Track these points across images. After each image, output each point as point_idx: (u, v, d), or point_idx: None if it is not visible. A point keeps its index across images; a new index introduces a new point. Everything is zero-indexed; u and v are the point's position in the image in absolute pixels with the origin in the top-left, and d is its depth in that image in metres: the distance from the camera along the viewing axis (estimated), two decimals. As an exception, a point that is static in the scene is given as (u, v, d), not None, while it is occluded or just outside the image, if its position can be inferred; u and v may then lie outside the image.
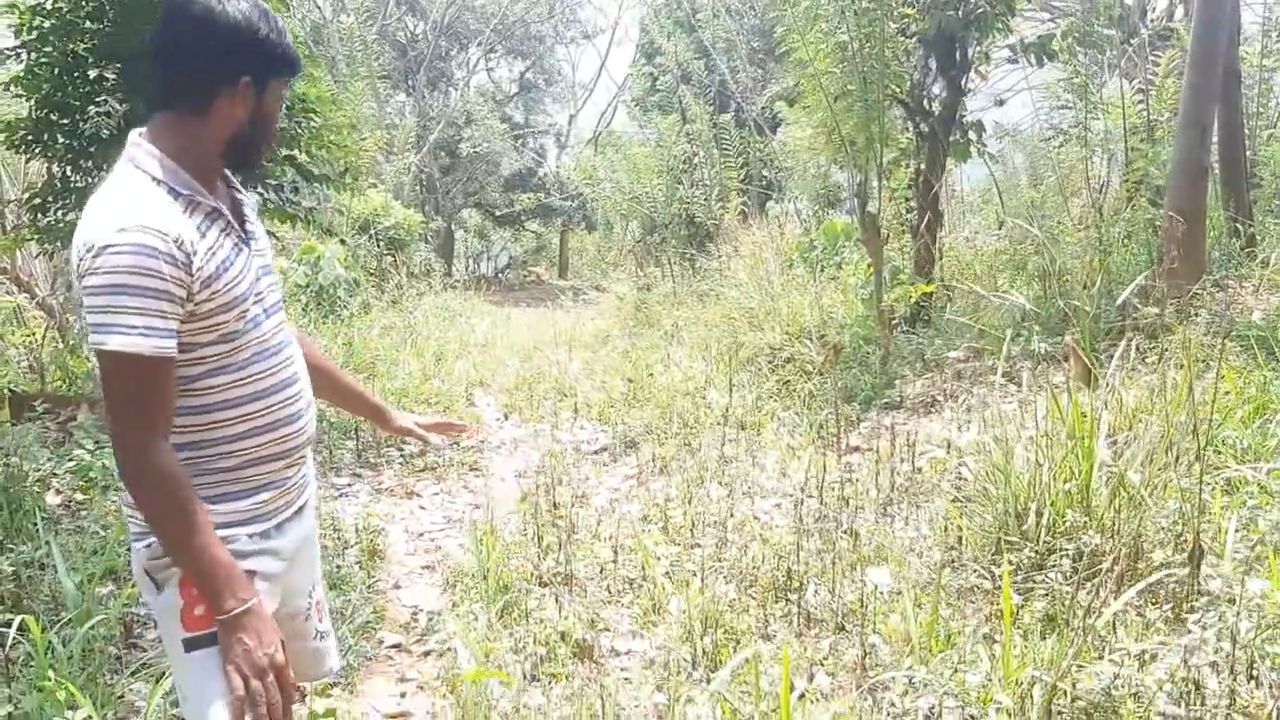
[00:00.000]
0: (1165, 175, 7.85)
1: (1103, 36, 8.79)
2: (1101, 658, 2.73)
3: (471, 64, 25.82)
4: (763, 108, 15.28)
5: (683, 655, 3.14)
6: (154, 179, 1.75)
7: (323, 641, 2.19)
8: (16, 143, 5.96)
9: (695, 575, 3.71)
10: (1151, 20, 11.64)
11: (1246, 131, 8.72)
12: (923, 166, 8.46)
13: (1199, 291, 6.15)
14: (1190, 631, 2.68)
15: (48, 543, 3.69)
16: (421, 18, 23.91)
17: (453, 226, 23.48)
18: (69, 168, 6.10)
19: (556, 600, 3.55)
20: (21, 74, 5.89)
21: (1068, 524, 3.43)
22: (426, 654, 3.56)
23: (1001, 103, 10.03)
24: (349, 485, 5.89)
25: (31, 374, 7.52)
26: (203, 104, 1.80)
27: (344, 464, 6.28)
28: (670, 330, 11.27)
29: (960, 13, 7.80)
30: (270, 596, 1.90)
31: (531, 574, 3.92)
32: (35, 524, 3.94)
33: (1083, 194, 9.56)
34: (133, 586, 3.52)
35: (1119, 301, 4.98)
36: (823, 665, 3.06)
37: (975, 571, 3.48)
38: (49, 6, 5.73)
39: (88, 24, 5.79)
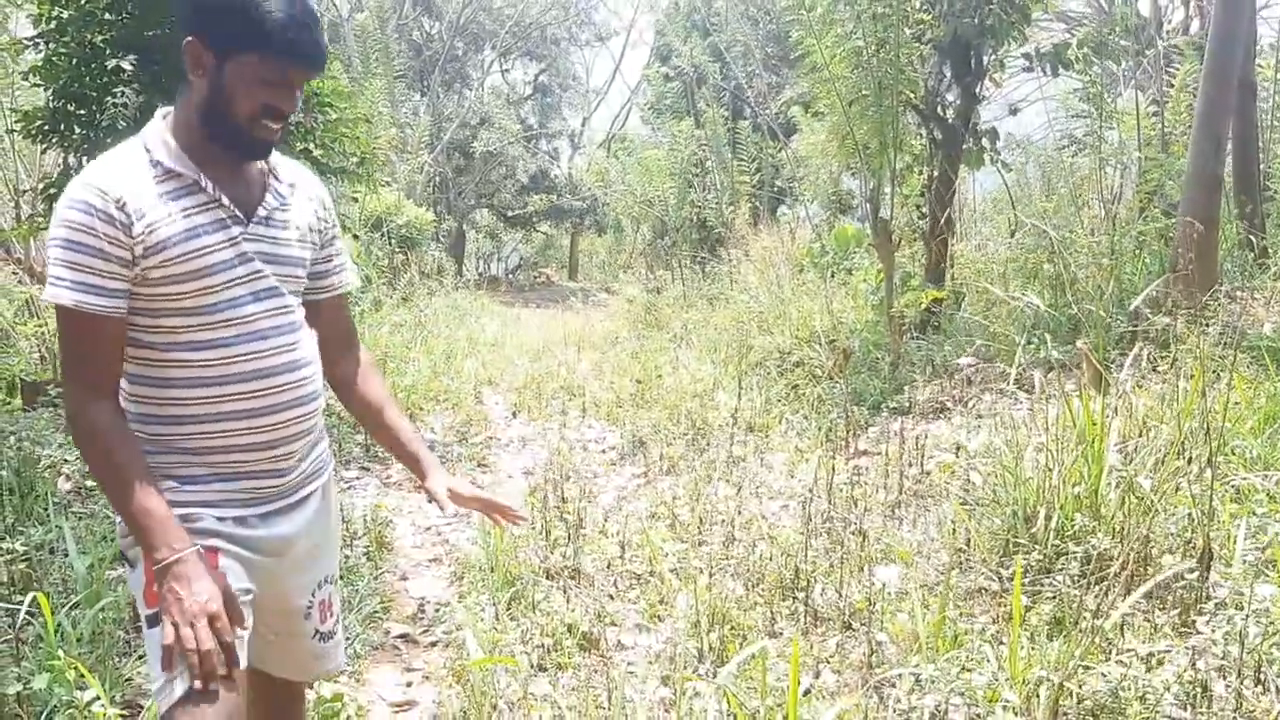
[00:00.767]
0: (1179, 186, 7.85)
1: (1118, 46, 8.78)
2: (1109, 659, 2.73)
3: (486, 65, 25.89)
4: (776, 113, 15.29)
5: (689, 649, 3.15)
6: (144, 147, 1.80)
7: (322, 642, 2.12)
8: (34, 132, 5.99)
9: (702, 572, 3.71)
10: (1167, 32, 11.63)
11: (1260, 144, 8.71)
12: (935, 173, 8.46)
13: (1210, 302, 6.14)
14: (1198, 634, 2.68)
15: (59, 526, 3.71)
16: (437, 18, 23.98)
17: (464, 226, 23.53)
18: (85, 158, 6.12)
19: (564, 593, 3.55)
20: (40, 64, 5.93)
21: (1076, 528, 3.43)
22: (433, 644, 3.57)
23: (1015, 111, 10.02)
24: (357, 478, 5.90)
25: (44, 364, 7.54)
26: (183, 69, 1.81)
27: (353, 457, 6.29)
28: (679, 333, 11.27)
29: (975, 20, 7.80)
30: (240, 578, 1.83)
31: (539, 567, 3.92)
32: (47, 508, 3.96)
33: (1095, 204, 9.55)
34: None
35: (1131, 308, 4.95)
36: (829, 663, 3.06)
37: (983, 574, 3.48)
38: (67, -3, 5.76)
39: (106, 15, 5.82)
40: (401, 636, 3.65)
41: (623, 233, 19.94)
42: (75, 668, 2.65)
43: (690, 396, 7.60)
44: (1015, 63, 9.03)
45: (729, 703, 2.61)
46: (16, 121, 6.25)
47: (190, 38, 1.78)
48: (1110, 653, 2.78)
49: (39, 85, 6.09)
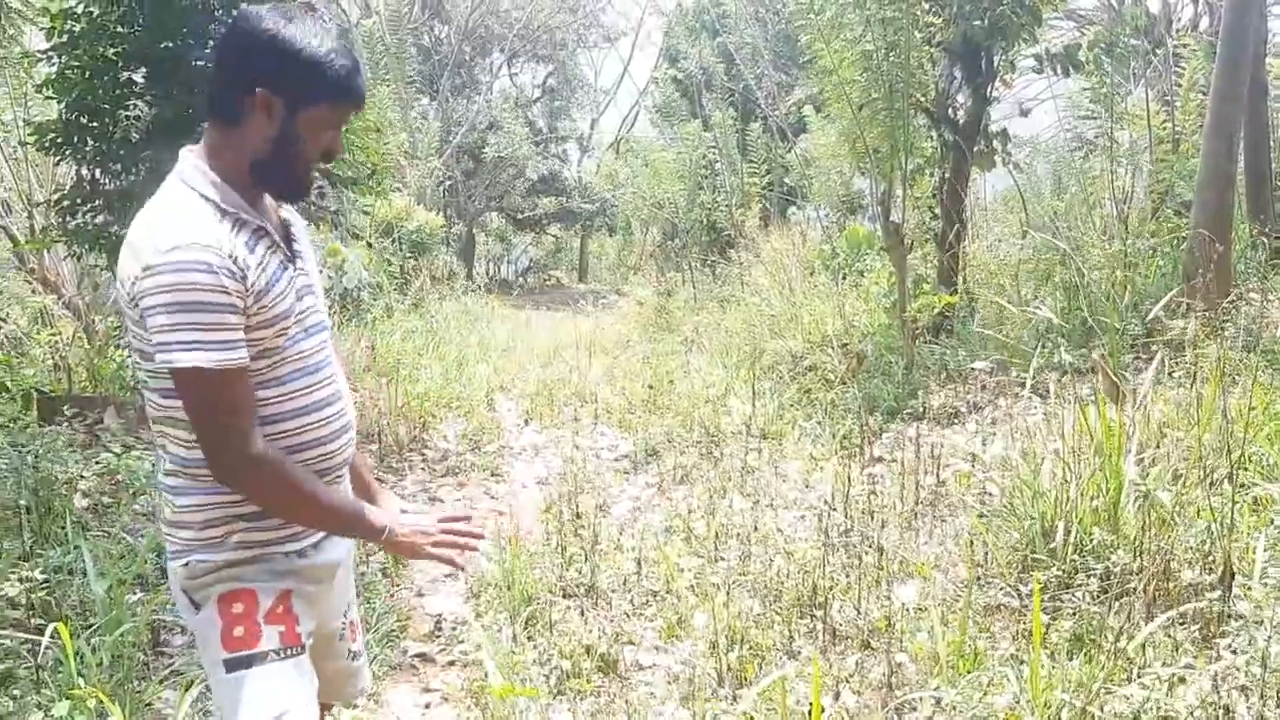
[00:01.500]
0: (1190, 187, 7.81)
1: (1128, 47, 8.73)
2: (1130, 680, 2.71)
3: (495, 69, 25.90)
4: (786, 113, 15.26)
5: (708, 670, 3.14)
6: (201, 195, 1.79)
7: (354, 661, 2.20)
8: (46, 145, 6.01)
9: (719, 588, 3.71)
10: (1176, 30, 11.57)
11: (1272, 143, 8.66)
12: (947, 175, 8.44)
13: (1225, 305, 6.11)
14: (1220, 657, 2.66)
15: (77, 547, 3.72)
16: (446, 22, 23.99)
17: (474, 230, 23.54)
18: (98, 170, 6.15)
19: (582, 614, 3.55)
20: (53, 77, 5.95)
21: (1095, 542, 3.41)
22: (450, 664, 3.57)
23: (1026, 113, 9.99)
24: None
25: (57, 372, 7.56)
26: (233, 113, 1.81)
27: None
28: (690, 336, 11.26)
29: (985, 22, 7.77)
30: (307, 617, 1.93)
31: (555, 585, 3.92)
32: (64, 528, 3.97)
33: (1106, 204, 9.51)
34: (162, 593, 3.55)
35: (1149, 317, 4.93)
36: (848, 683, 3.05)
37: (1002, 589, 3.47)
38: (80, 10, 5.78)
39: (118, 28, 5.85)
40: (419, 655, 3.65)
41: (632, 234, 19.92)
42: (96, 696, 2.65)
43: (703, 402, 7.59)
44: (1026, 63, 9.00)
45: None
46: (30, 134, 6.27)
47: (260, 89, 1.78)
48: (1132, 672, 2.77)
49: (52, 98, 6.12)
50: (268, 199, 1.93)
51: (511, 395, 9.25)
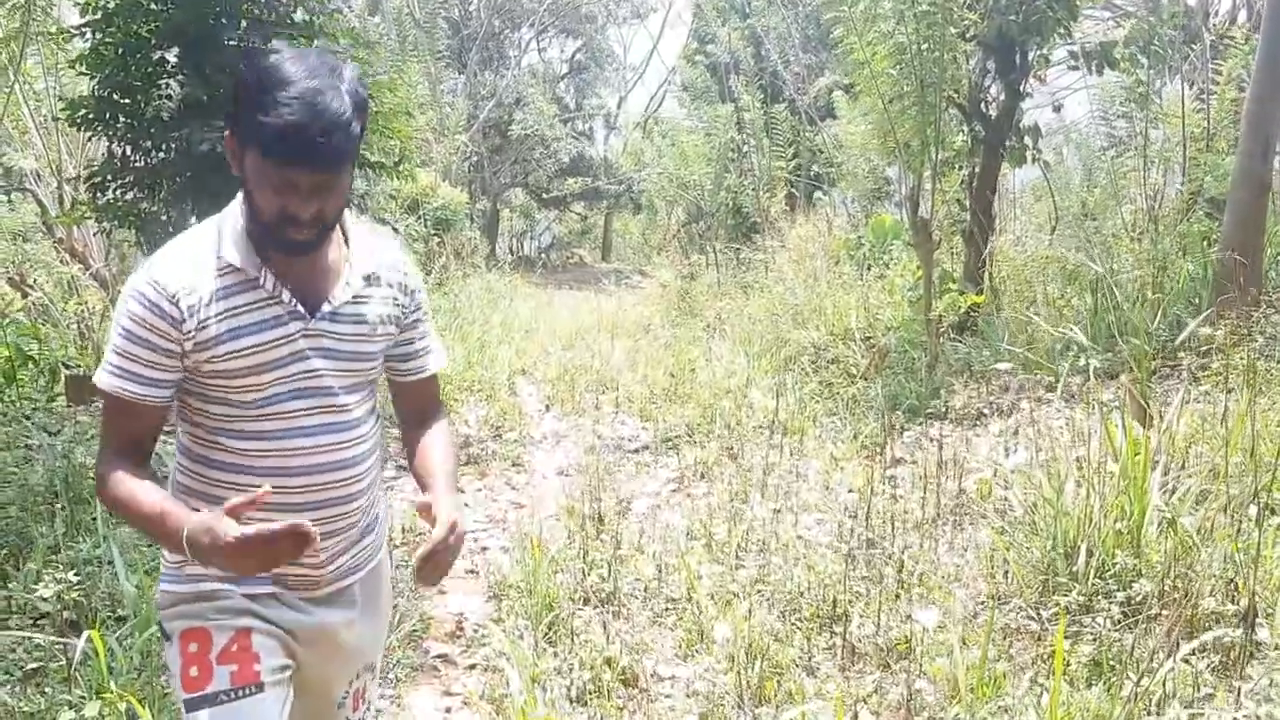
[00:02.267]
0: (1222, 185, 7.73)
1: (1165, 44, 8.62)
2: (1149, 713, 2.72)
3: (524, 44, 25.81)
4: (815, 96, 15.15)
5: (727, 685, 3.17)
6: (218, 232, 1.80)
7: None
8: (79, 121, 6.04)
9: (739, 598, 3.73)
10: (1214, 24, 11.41)
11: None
12: (976, 170, 8.39)
13: (1255, 314, 6.06)
14: (1240, 702, 2.66)
15: (106, 538, 3.77)
16: (476, -5, 23.92)
17: (498, 206, 23.54)
18: (129, 147, 6.17)
19: (604, 627, 3.57)
20: (86, 53, 5.98)
21: (1117, 566, 3.41)
22: (471, 667, 3.61)
23: (1059, 109, 9.88)
24: (395, 478, 5.94)
25: (82, 340, 7.61)
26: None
27: (390, 455, 6.34)
28: (713, 322, 11.26)
29: (1020, 17, 7.70)
30: (270, 653, 1.85)
31: (576, 590, 3.94)
32: (94, 518, 4.02)
33: (1137, 199, 9.43)
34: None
35: (1177, 342, 4.90)
36: (866, 702, 3.07)
37: (1022, 611, 3.47)
38: (114, -13, 5.79)
39: (152, 6, 5.86)
40: (440, 657, 3.69)
41: (657, 214, 19.87)
42: (125, 698, 2.69)
43: (724, 393, 7.60)
44: (1060, 54, 8.90)
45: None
46: (62, 109, 6.30)
47: (229, 132, 1.74)
48: (1150, 703, 2.77)
49: (85, 74, 6.15)
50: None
51: (533, 379, 9.27)
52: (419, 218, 13.22)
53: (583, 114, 25.64)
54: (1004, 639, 3.33)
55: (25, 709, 2.91)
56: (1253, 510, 3.53)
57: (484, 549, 4.89)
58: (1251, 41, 8.63)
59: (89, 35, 5.97)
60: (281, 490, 1.80)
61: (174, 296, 1.73)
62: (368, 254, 1.91)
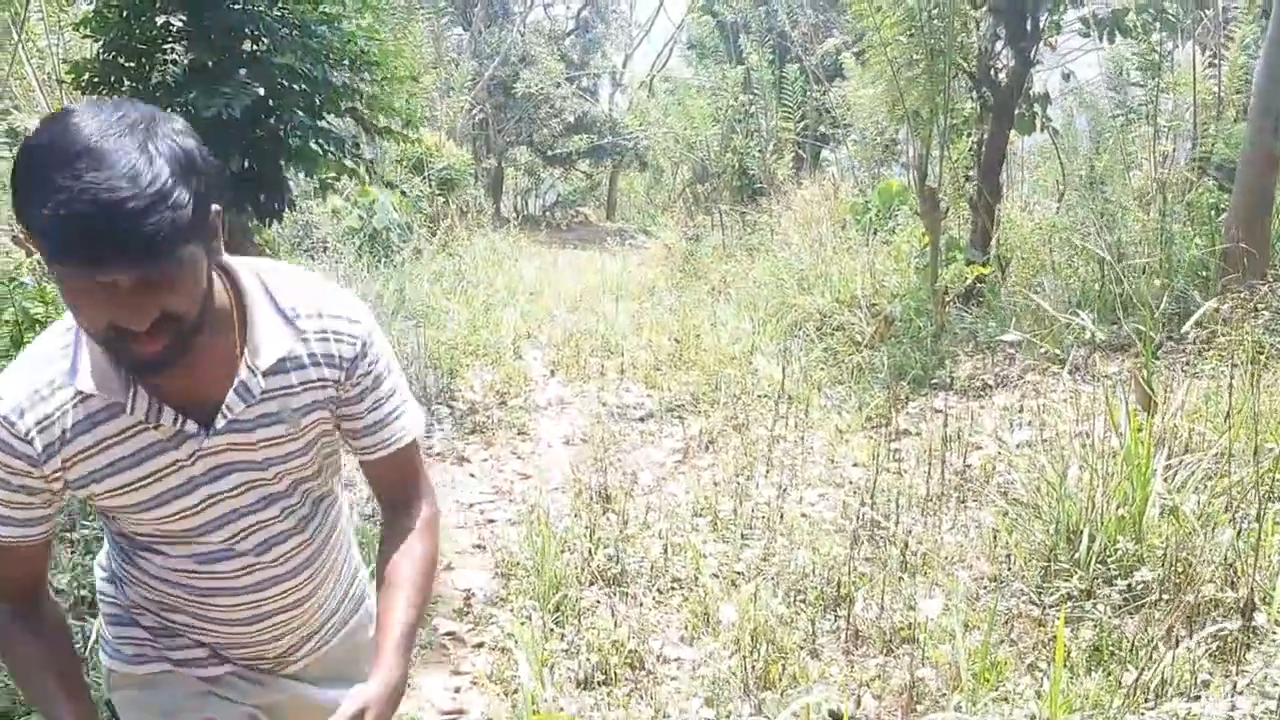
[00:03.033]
0: (1233, 151, 7.68)
1: (1177, 14, 8.54)
2: (1148, 700, 2.76)
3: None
4: (821, 57, 15.01)
5: (733, 668, 3.21)
6: (73, 347, 1.43)
7: None
8: (83, 84, 6.02)
9: (744, 578, 3.77)
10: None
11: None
12: (985, 136, 8.34)
13: (1262, 289, 6.06)
14: (1238, 689, 2.70)
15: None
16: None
17: (502, 164, 23.42)
18: (135, 114, 6.14)
19: (612, 613, 3.61)
20: (90, 15, 5.95)
21: (1119, 552, 3.44)
22: (479, 646, 3.66)
23: (1068, 77, 9.80)
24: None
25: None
26: None
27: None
28: (718, 285, 11.25)
29: (1032, -17, 7.63)
30: (240, 693, 1.71)
31: (583, 569, 3.98)
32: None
33: (1144, 166, 9.37)
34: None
35: (1187, 326, 4.91)
36: (869, 687, 3.12)
37: (1025, 596, 3.51)
38: (119, -51, 5.75)
39: (155, -31, 5.82)
40: (449, 634, 3.74)
41: (662, 174, 19.77)
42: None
43: (729, 359, 7.62)
44: (1071, 25, 8.82)
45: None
46: (67, 72, 6.27)
47: None
48: (1150, 693, 2.82)
49: (89, 36, 6.12)
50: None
51: (538, 343, 9.29)
52: (424, 178, 13.17)
53: (588, 71, 25.44)
54: (1005, 624, 3.37)
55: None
56: (1254, 496, 3.55)
57: (490, 521, 4.93)
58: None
59: (94, -2, 5.94)
60: (217, 607, 1.63)
61: (26, 435, 1.41)
62: (274, 334, 1.51)
